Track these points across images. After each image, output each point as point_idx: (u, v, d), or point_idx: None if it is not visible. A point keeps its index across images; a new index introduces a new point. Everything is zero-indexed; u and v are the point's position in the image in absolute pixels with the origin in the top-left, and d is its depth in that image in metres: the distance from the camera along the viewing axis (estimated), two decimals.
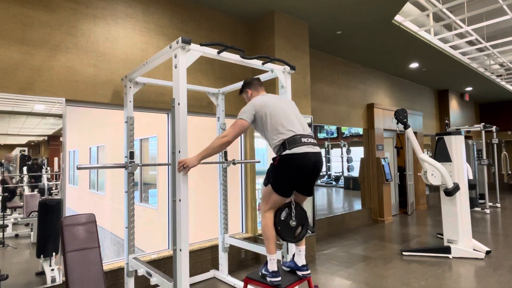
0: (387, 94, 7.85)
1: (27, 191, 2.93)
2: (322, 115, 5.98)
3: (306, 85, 4.73)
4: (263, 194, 2.31)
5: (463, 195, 4.59)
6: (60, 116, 2.99)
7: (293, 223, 2.27)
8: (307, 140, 2.20)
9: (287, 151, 2.14)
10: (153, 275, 2.58)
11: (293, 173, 2.16)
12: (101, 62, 3.31)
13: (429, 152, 9.43)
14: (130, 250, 3.12)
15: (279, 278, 2.15)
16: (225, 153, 3.87)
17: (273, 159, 2.24)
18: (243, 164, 4.53)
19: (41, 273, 2.84)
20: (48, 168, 3.01)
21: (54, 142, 3.01)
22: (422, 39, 5.65)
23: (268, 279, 2.15)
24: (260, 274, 2.25)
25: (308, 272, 2.27)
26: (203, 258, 3.92)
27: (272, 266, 2.17)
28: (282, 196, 2.22)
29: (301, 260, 2.29)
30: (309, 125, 4.68)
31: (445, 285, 3.53)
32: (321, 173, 2.35)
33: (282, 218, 2.26)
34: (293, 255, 2.35)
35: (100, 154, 9.03)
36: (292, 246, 2.84)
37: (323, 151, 6.60)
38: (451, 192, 4.51)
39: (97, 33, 3.32)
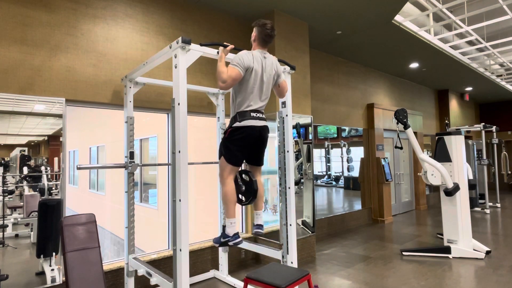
0: (387, 94, 7.85)
1: (27, 191, 2.93)
2: (322, 115, 5.97)
3: (306, 85, 4.73)
4: (219, 165, 2.52)
5: (463, 195, 4.59)
6: (60, 116, 2.99)
7: (242, 188, 2.60)
8: (256, 114, 2.42)
9: (237, 123, 2.39)
10: (153, 275, 2.58)
11: (240, 144, 2.41)
12: (101, 62, 3.31)
13: (429, 152, 9.43)
14: (130, 250, 3.12)
15: (241, 238, 2.43)
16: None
17: (224, 132, 2.48)
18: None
19: (41, 273, 2.84)
20: (48, 168, 3.01)
21: (54, 142, 3.01)
22: (422, 39, 5.65)
23: (230, 242, 2.38)
24: (219, 244, 2.46)
25: (260, 231, 2.56)
26: (203, 258, 3.92)
27: (233, 230, 2.40)
28: (234, 166, 2.46)
29: (257, 221, 2.62)
30: (309, 125, 4.69)
31: (445, 285, 3.53)
32: (268, 144, 2.63)
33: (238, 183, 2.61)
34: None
35: (100, 154, 9.03)
36: (293, 247, 2.85)
37: (322, 151, 6.59)
38: (451, 192, 4.51)
39: (97, 33, 3.32)
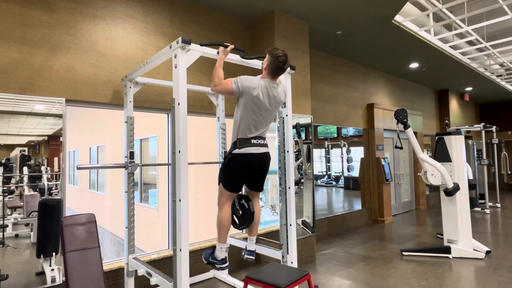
0: (387, 94, 7.85)
1: (27, 191, 2.93)
2: (322, 115, 5.97)
3: (306, 85, 4.73)
4: (219, 190, 2.55)
5: (463, 195, 4.59)
6: (60, 116, 2.99)
7: (238, 212, 2.62)
8: (257, 141, 2.40)
9: (237, 150, 2.37)
10: (153, 275, 2.58)
11: (239, 171, 2.42)
12: (101, 62, 3.31)
13: (429, 152, 9.43)
14: (130, 250, 3.12)
15: (227, 263, 2.52)
16: (225, 153, 3.88)
17: (224, 157, 2.48)
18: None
19: (41, 273, 2.84)
20: (48, 168, 3.01)
21: (54, 142, 3.01)
22: (422, 39, 5.65)
23: (217, 265, 2.49)
24: (206, 261, 2.53)
25: (251, 257, 2.69)
26: None
27: (221, 254, 2.49)
28: (231, 192, 2.48)
29: (249, 247, 2.73)
30: (309, 125, 4.69)
31: (445, 285, 3.53)
32: (270, 170, 2.63)
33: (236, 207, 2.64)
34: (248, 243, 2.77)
35: (100, 154, 9.03)
36: (293, 247, 2.85)
37: (322, 151, 6.59)
38: (451, 192, 4.51)
39: (97, 33, 3.31)
